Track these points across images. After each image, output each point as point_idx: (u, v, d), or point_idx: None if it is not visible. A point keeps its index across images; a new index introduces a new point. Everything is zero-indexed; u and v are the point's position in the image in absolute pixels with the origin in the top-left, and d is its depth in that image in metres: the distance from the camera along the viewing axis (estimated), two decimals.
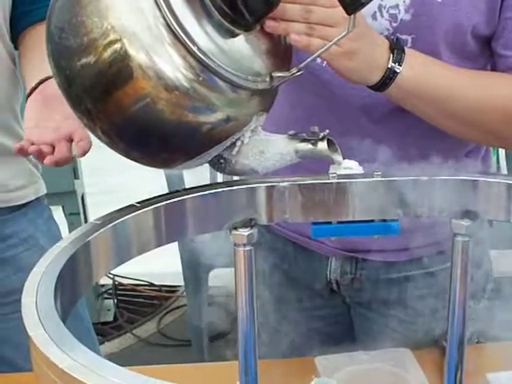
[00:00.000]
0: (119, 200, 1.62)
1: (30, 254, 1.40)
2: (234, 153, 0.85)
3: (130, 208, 0.80)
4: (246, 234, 0.82)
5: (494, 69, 1.11)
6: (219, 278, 2.24)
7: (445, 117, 1.05)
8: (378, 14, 1.05)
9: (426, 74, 1.02)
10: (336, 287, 1.28)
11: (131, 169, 1.53)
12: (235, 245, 0.83)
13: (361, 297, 1.28)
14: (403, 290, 1.23)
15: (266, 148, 0.85)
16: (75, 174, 2.65)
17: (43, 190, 1.48)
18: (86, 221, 2.67)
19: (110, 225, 0.77)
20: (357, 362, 1.16)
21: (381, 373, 1.14)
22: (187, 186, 0.85)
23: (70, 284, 0.71)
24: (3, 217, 1.40)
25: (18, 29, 1.38)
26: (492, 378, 1.09)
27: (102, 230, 0.75)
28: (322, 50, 0.87)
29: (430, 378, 1.11)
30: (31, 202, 1.44)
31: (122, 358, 2.66)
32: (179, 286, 2.99)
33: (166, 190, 1.96)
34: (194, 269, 2.33)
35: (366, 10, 0.89)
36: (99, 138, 0.81)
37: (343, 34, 0.83)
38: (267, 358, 1.28)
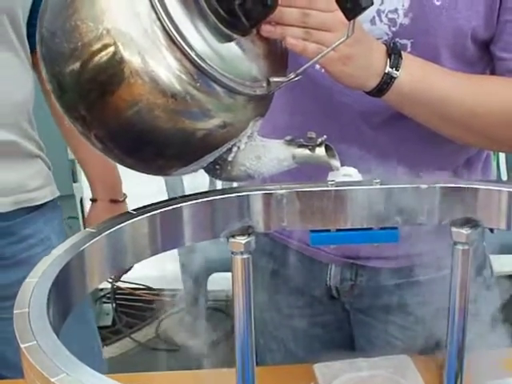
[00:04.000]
0: None
1: (46, 255, 1.43)
2: (230, 159, 0.84)
3: (126, 215, 0.79)
4: (244, 241, 0.81)
5: (492, 73, 1.11)
6: (218, 282, 2.23)
7: (442, 121, 1.05)
8: (376, 18, 1.04)
9: (423, 79, 1.01)
10: (336, 294, 1.27)
11: (130, 173, 1.52)
12: (232, 253, 0.82)
13: (360, 303, 1.28)
14: (403, 297, 1.22)
15: (263, 153, 0.84)
16: (74, 177, 2.65)
17: (57, 192, 1.52)
18: (84, 224, 2.67)
19: (105, 233, 0.75)
20: (356, 369, 1.15)
21: (380, 380, 1.13)
22: (187, 190, 0.84)
23: (64, 294, 0.70)
24: (23, 217, 1.42)
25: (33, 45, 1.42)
26: None
27: (96, 239, 0.74)
28: (321, 55, 0.86)
29: None
30: (48, 202, 1.47)
31: (120, 363, 2.66)
32: (178, 290, 2.98)
33: (165, 194, 1.94)
34: (193, 273, 2.32)
35: (364, 16, 0.88)
36: (93, 145, 0.80)
37: (342, 39, 0.82)
38: (266, 364, 1.28)
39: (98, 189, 1.60)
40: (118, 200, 1.60)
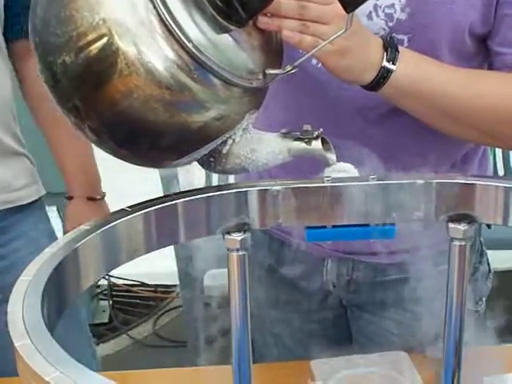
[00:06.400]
0: (114, 201, 1.60)
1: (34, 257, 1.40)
2: (224, 151, 0.83)
3: (120, 213, 0.79)
4: (239, 238, 0.81)
5: (490, 68, 1.10)
6: (215, 278, 2.23)
7: (439, 116, 1.04)
8: (373, 13, 1.04)
9: (420, 73, 1.00)
10: (332, 289, 1.27)
11: (126, 170, 1.51)
12: (228, 249, 0.82)
13: (357, 299, 1.28)
14: (400, 293, 1.22)
15: (258, 146, 0.84)
16: None
17: (43, 190, 1.48)
18: None
19: (100, 230, 0.75)
20: (353, 365, 1.14)
21: (377, 377, 1.13)
22: (181, 186, 0.83)
23: (58, 292, 0.70)
24: (8, 220, 1.38)
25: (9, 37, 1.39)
26: (489, 381, 1.08)
27: (90, 236, 0.74)
28: (317, 48, 0.86)
29: (427, 382, 1.10)
30: (34, 202, 1.43)
31: (117, 360, 2.65)
32: (175, 287, 2.98)
33: (161, 191, 1.93)
34: (190, 269, 2.32)
35: (361, 10, 0.88)
36: (86, 136, 0.79)
37: (340, 32, 0.82)
38: (263, 361, 1.28)
39: (74, 186, 1.53)
40: (95, 198, 1.54)
